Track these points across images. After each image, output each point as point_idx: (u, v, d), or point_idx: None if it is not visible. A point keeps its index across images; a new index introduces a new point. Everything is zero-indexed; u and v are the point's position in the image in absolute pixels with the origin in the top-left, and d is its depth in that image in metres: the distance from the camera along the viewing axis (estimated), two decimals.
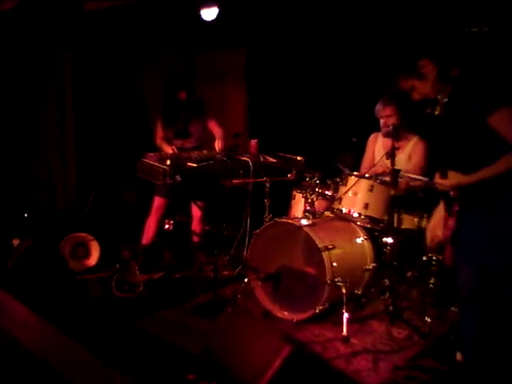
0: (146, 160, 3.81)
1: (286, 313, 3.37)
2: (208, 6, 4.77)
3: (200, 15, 4.77)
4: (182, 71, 4.49)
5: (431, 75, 2.32)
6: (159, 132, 4.38)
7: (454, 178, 2.32)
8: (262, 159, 4.12)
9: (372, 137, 4.14)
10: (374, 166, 3.84)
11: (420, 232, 3.55)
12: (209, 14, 4.80)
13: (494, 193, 2.23)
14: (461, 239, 2.38)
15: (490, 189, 2.22)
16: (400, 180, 3.53)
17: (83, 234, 4.33)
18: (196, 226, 4.51)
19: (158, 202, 4.37)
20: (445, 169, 2.33)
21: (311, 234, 3.28)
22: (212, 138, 4.42)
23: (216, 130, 4.42)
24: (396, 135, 3.67)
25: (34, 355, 2.97)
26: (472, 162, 2.26)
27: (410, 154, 3.88)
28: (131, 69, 5.99)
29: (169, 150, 4.19)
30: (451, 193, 2.47)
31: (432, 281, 3.40)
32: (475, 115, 2.19)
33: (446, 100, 2.34)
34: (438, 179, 2.37)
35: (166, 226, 4.47)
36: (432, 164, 3.61)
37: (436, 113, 2.38)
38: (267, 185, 4.06)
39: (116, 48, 5.70)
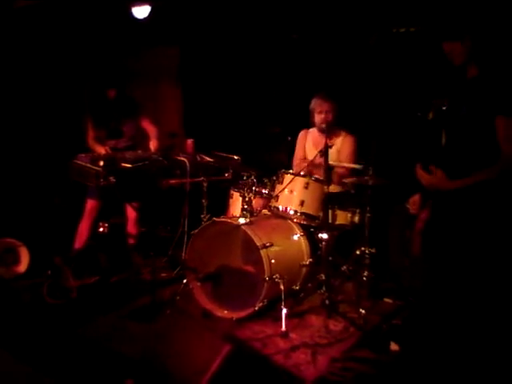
0: (78, 161, 3.68)
1: (225, 312, 3.38)
2: (139, 3, 4.69)
3: (131, 13, 4.68)
4: (110, 69, 4.35)
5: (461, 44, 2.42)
6: (90, 132, 4.23)
7: (436, 178, 2.41)
8: (198, 159, 4.09)
9: (301, 134, 4.24)
10: (308, 163, 3.92)
11: (353, 227, 3.68)
12: (140, 12, 4.72)
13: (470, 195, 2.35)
14: (431, 232, 2.50)
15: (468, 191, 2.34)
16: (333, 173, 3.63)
17: (11, 240, 4.13)
18: (131, 227, 4.41)
19: (90, 204, 4.24)
20: (428, 164, 2.43)
21: (249, 232, 3.30)
22: (146, 138, 4.34)
23: (150, 128, 4.34)
24: (330, 131, 3.79)
25: None
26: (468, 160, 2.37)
27: (339, 149, 4.01)
28: (63, 68, 5.76)
29: (101, 150, 4.08)
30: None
31: (365, 274, 3.52)
32: (490, 107, 2.31)
33: (441, 107, 2.46)
34: (419, 170, 2.47)
35: (101, 229, 4.34)
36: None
37: (429, 118, 2.50)
38: (204, 184, 4.05)
39: (47, 47, 5.45)
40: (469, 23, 2.42)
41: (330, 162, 3.50)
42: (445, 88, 2.61)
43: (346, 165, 3.85)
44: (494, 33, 2.49)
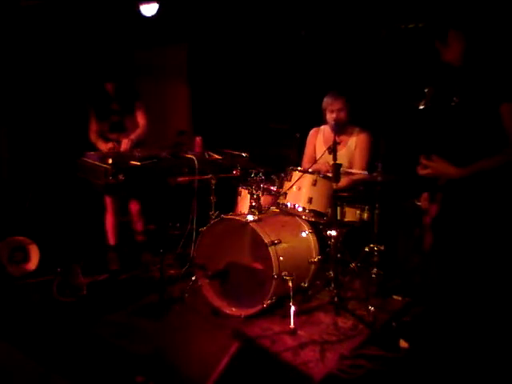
0: (87, 159, 3.70)
1: (234, 309, 3.38)
2: (147, 1, 4.70)
3: (139, 11, 4.69)
4: (108, 62, 4.34)
5: (455, 46, 2.43)
6: (93, 126, 4.23)
7: (441, 165, 2.40)
8: (206, 156, 4.09)
9: (312, 132, 4.19)
10: (316, 161, 3.90)
11: (362, 224, 3.66)
12: (148, 9, 4.72)
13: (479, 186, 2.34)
14: (441, 226, 2.49)
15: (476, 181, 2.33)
16: (343, 178, 3.61)
17: (21, 238, 4.17)
18: (136, 222, 4.39)
19: (109, 199, 4.25)
20: (429, 155, 2.43)
21: (257, 229, 3.30)
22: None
23: (141, 120, 4.28)
24: (342, 129, 3.77)
25: None
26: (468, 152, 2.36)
27: (356, 146, 3.95)
28: (69, 66, 5.79)
29: (109, 145, 4.07)
30: (439, 181, 2.54)
31: (374, 271, 3.50)
32: (491, 97, 2.30)
33: (432, 94, 2.45)
34: (424, 160, 2.46)
35: None
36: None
37: (421, 106, 2.49)
38: (213, 182, 4.05)
39: (54, 45, 5.48)
40: (452, 25, 2.43)
41: (342, 169, 3.48)
42: (444, 79, 2.59)
43: (353, 171, 3.81)
44: (488, 27, 2.47)
